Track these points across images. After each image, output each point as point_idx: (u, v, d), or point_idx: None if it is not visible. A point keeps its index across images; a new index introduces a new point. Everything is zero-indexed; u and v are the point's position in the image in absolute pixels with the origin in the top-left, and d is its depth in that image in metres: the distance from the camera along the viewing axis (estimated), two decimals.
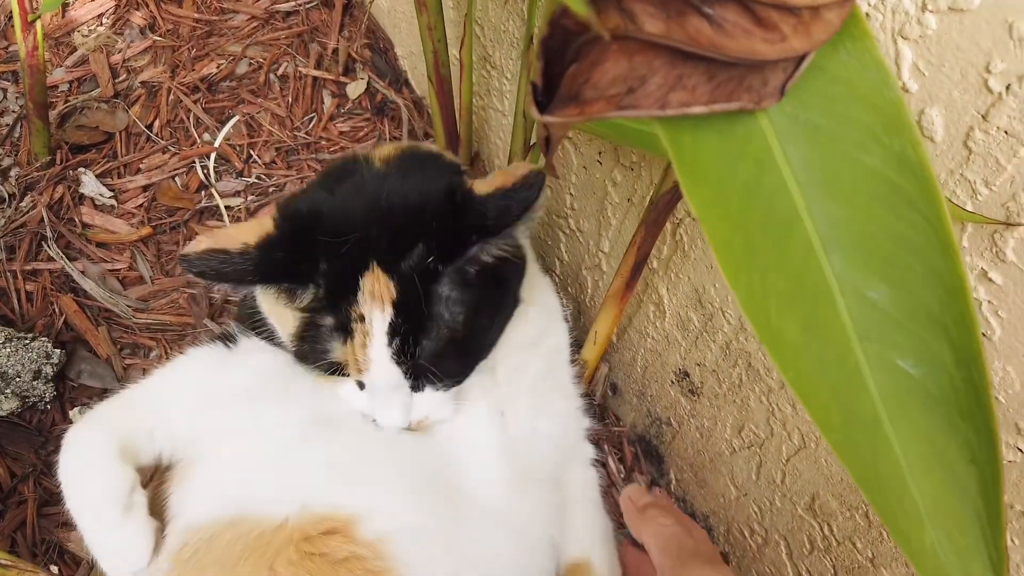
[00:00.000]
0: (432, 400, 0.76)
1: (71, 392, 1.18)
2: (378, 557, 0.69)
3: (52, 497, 1.11)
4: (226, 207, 1.35)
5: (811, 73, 0.41)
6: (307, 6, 1.61)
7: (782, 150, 0.42)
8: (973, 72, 0.52)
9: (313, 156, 1.43)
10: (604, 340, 1.02)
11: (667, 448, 1.17)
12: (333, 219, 0.68)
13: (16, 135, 1.42)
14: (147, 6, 1.60)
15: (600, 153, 1.02)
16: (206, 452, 0.77)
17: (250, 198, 1.38)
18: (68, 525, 1.10)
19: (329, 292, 0.68)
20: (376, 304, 0.67)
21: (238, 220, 1.35)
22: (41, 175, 1.33)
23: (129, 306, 1.25)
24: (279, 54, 1.54)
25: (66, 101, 1.45)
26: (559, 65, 0.46)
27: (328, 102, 1.50)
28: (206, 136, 1.45)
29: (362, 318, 0.67)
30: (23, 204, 1.30)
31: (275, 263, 0.67)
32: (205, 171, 1.39)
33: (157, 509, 0.76)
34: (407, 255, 0.66)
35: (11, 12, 1.48)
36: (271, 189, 1.40)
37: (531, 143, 0.95)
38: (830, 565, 0.90)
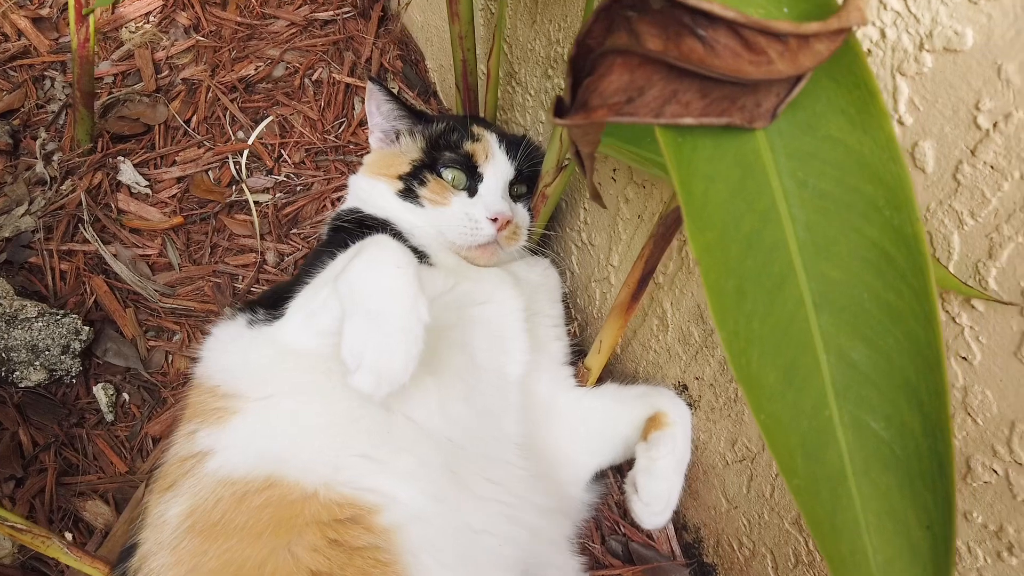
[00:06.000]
0: (520, 212, 1.09)
1: (96, 369, 1.23)
2: (389, 547, 0.72)
3: (71, 467, 1.16)
4: (255, 202, 1.40)
5: (829, 144, 0.45)
6: (344, 16, 1.68)
7: (788, 210, 0.45)
8: (964, 109, 0.56)
9: (341, 158, 1.48)
10: (608, 349, 1.05)
11: None
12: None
13: (61, 122, 1.48)
14: (193, 7, 1.67)
15: (615, 171, 1.06)
16: (269, 395, 0.80)
17: (278, 195, 1.43)
18: (84, 495, 1.14)
19: (454, 125, 1.11)
20: (488, 132, 1.11)
21: (266, 216, 1.40)
22: (82, 161, 1.39)
23: (156, 291, 1.30)
24: (315, 60, 1.60)
25: (110, 92, 1.51)
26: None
27: (359, 108, 1.55)
28: (240, 134, 1.51)
29: (482, 136, 1.09)
30: (63, 187, 1.36)
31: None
32: (237, 167, 1.45)
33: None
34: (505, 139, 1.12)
35: (65, 4, 1.56)
36: (299, 188, 1.45)
37: (563, 164, 1.00)
38: None
